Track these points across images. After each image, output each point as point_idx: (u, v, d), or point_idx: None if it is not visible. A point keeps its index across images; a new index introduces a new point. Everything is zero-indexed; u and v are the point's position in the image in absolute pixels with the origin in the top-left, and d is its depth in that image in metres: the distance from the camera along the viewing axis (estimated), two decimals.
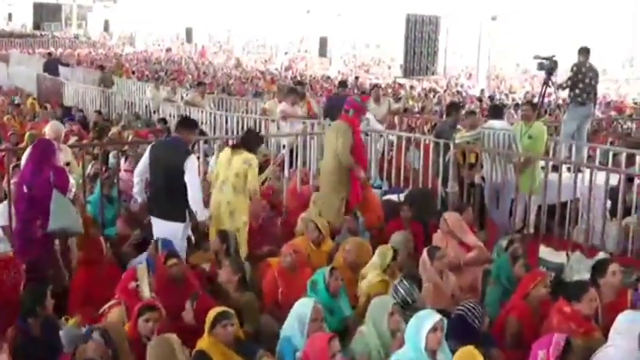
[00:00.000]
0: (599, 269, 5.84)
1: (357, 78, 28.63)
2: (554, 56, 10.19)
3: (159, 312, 4.92)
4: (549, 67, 10.08)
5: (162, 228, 6.60)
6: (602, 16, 32.80)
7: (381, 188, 9.43)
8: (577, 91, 9.80)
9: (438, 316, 4.59)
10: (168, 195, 6.58)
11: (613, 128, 15.14)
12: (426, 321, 4.56)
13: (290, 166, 9.73)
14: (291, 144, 9.66)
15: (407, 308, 5.37)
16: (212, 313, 4.83)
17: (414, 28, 25.62)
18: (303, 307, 4.97)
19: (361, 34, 42.83)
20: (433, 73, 26.80)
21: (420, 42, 25.89)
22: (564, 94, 11.16)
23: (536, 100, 11.78)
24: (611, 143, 13.27)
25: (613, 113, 19.23)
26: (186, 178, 6.45)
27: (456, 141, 8.75)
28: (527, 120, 9.13)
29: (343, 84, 13.00)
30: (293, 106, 11.56)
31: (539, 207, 8.60)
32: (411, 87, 26.53)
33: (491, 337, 5.33)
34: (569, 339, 4.46)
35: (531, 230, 8.77)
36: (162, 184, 6.63)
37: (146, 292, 5.37)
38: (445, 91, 26.44)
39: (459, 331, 4.93)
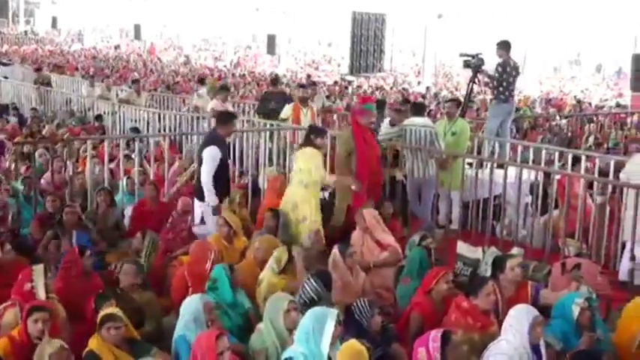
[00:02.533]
0: (498, 265, 5.92)
1: (309, 76, 28.69)
2: (480, 54, 10.23)
3: (49, 312, 4.83)
4: (476, 64, 10.12)
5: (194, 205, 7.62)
6: (551, 15, 33.18)
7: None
8: (501, 88, 9.88)
9: (335, 313, 4.61)
10: (197, 178, 7.50)
11: (549, 126, 15.35)
12: (326, 319, 4.56)
13: None
14: None
15: (313, 306, 5.39)
16: (100, 315, 4.78)
17: (360, 25, 25.68)
18: (193, 304, 4.94)
19: (312, 31, 42.83)
20: (380, 71, 26.89)
21: (367, 40, 25.96)
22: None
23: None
24: (546, 140, 13.50)
25: (552, 110, 19.48)
26: (202, 166, 7.31)
27: (379, 137, 8.78)
28: (451, 117, 9.21)
29: (275, 81, 12.96)
30: (224, 104, 11.52)
31: (465, 203, 8.70)
32: (359, 86, 26.58)
33: (391, 333, 5.36)
34: (448, 333, 4.50)
35: (456, 226, 8.86)
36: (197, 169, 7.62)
37: (41, 294, 5.28)
38: (392, 88, 26.58)
39: (347, 327, 5.00)
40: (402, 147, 8.72)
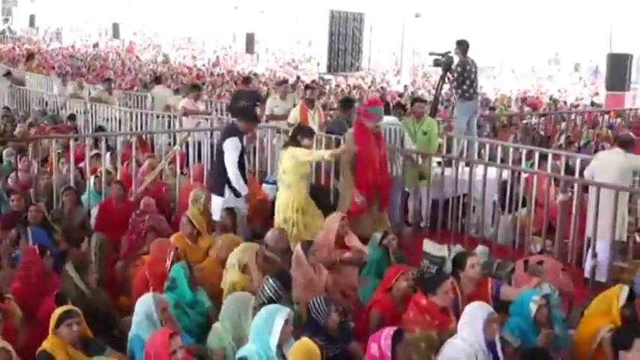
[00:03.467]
0: (458, 262, 5.93)
1: (297, 78, 28.71)
2: (449, 52, 10.27)
3: (2, 313, 4.79)
4: (445, 63, 10.16)
5: (212, 200, 7.61)
6: (529, 14, 33.37)
7: (275, 183, 9.37)
8: (464, 87, 9.93)
9: (286, 311, 4.61)
10: (213, 171, 7.69)
11: (523, 124, 15.43)
12: (277, 316, 4.56)
13: (193, 162, 9.71)
14: (183, 140, 9.53)
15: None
16: (56, 313, 4.74)
17: (338, 24, 25.64)
18: (146, 303, 4.92)
19: (292, 30, 42.79)
20: (358, 70, 26.88)
21: (345, 38, 25.92)
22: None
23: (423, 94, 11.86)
24: (520, 139, 13.56)
25: (527, 109, 19.60)
26: (224, 158, 7.32)
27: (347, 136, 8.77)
28: (419, 117, 9.17)
29: (247, 80, 12.93)
30: (195, 103, 11.49)
31: (434, 201, 8.72)
32: (337, 85, 26.61)
33: (349, 331, 5.36)
34: (401, 331, 4.51)
35: (426, 224, 8.89)
36: (213, 162, 7.86)
37: None
38: (369, 87, 26.62)
39: (305, 325, 5.05)
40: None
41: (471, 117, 9.97)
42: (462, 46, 10.00)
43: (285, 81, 13.44)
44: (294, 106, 11.20)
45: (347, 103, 9.96)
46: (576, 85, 34.71)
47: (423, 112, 9.24)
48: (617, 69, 20.11)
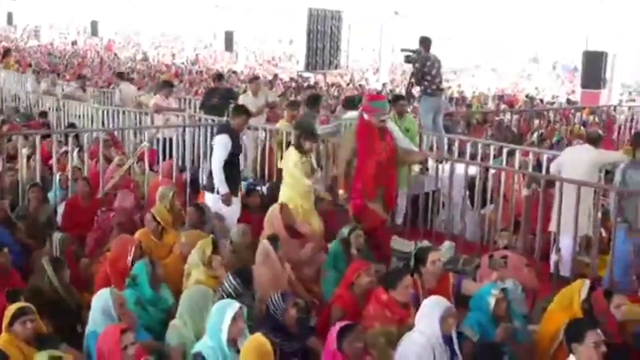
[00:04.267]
0: (420, 257, 5.94)
1: (275, 75, 28.66)
2: (420, 49, 10.27)
3: None
4: (416, 59, 10.16)
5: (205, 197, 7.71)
6: (508, 13, 33.45)
7: (246, 180, 9.36)
8: (425, 83, 9.93)
9: (237, 306, 4.58)
10: (208, 169, 7.64)
11: (497, 121, 15.51)
12: (226, 311, 4.54)
13: (164, 159, 9.73)
14: (151, 137, 9.49)
15: None
16: (10, 310, 4.70)
17: (317, 22, 25.59)
18: (102, 299, 4.89)
19: (273, 29, 42.67)
20: (336, 67, 26.84)
21: (323, 36, 25.86)
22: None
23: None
24: (492, 135, 13.62)
25: (503, 107, 19.68)
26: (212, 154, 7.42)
27: (319, 132, 8.77)
28: (402, 115, 9.10)
29: (219, 77, 12.89)
30: (167, 99, 11.44)
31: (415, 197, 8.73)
32: (316, 82, 26.58)
33: (308, 326, 5.35)
34: (349, 326, 4.52)
35: (400, 221, 8.89)
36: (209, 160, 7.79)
37: None
38: (348, 85, 26.62)
39: (264, 321, 5.05)
40: (336, 143, 8.69)
41: (435, 114, 9.94)
42: (425, 42, 10.02)
43: (257, 77, 13.35)
44: (267, 102, 11.21)
45: (314, 99, 9.94)
46: (555, 83, 34.90)
47: (404, 110, 9.22)
48: (592, 67, 20.28)
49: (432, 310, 4.84)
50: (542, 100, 21.67)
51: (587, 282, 5.52)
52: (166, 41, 43.61)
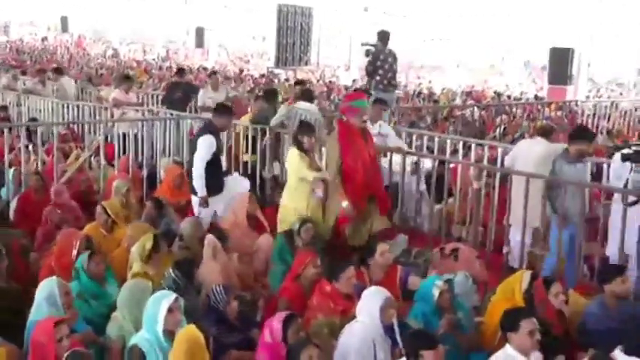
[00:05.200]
0: (369, 249, 5.94)
1: (241, 71, 28.63)
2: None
3: None
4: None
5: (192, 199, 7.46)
6: (479, 11, 33.67)
7: None
8: (377, 77, 9.93)
9: (173, 297, 4.56)
10: (190, 171, 7.34)
11: (462, 117, 15.58)
12: (162, 303, 4.51)
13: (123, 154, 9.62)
14: (107, 131, 9.42)
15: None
16: None
17: (287, 18, 25.57)
18: (47, 288, 4.86)
19: (246, 26, 42.55)
20: (307, 64, 26.83)
21: (293, 32, 25.86)
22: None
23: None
24: (455, 130, 13.69)
25: (470, 102, 19.80)
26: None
27: (272, 123, 8.77)
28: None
29: (181, 71, 12.84)
30: (127, 94, 11.36)
31: None
32: (286, 79, 26.58)
33: (251, 319, 5.32)
34: (293, 315, 4.51)
35: None
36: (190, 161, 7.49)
37: None
38: (318, 81, 26.62)
39: (207, 313, 5.01)
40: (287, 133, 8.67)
41: (389, 108, 9.93)
42: (383, 36, 10.01)
43: (215, 72, 13.33)
44: (227, 97, 11.17)
45: (271, 93, 9.91)
46: (526, 80, 35.18)
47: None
48: (559, 63, 20.45)
49: (372, 301, 4.84)
50: (509, 97, 21.78)
51: (528, 272, 5.55)
52: (138, 38, 43.29)
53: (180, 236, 6.73)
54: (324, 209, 6.99)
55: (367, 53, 10.33)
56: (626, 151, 6.48)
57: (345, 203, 6.82)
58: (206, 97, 10.79)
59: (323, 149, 7.79)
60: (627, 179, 6.40)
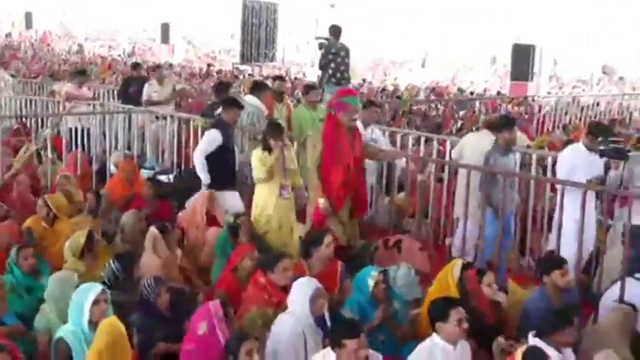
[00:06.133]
0: (313, 241, 5.91)
1: (208, 66, 28.44)
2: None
3: None
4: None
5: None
6: (447, 9, 33.82)
7: (154, 169, 9.26)
8: (330, 71, 9.93)
9: (99, 289, 4.52)
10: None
11: (422, 112, 15.66)
12: (87, 294, 4.47)
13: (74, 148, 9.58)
14: (54, 125, 9.32)
15: (114, 288, 5.34)
16: None
17: (252, 14, 25.44)
18: None
19: (214, 22, 42.34)
20: (272, 60, 26.73)
21: (258, 29, 25.73)
22: None
23: None
24: (414, 125, 13.73)
25: (433, 97, 19.91)
26: None
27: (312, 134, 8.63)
28: (314, 105, 9.03)
29: (136, 66, 12.75)
30: (80, 88, 11.25)
31: None
32: (250, 74, 26.47)
33: (183, 311, 5.27)
34: (224, 302, 4.49)
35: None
36: None
37: None
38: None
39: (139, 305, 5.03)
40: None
41: None
42: (334, 30, 10.01)
43: (159, 66, 13.22)
44: (174, 91, 11.12)
45: (222, 87, 9.86)
46: (493, 77, 35.29)
47: (317, 101, 9.13)
48: (521, 59, 20.67)
49: (302, 291, 4.83)
50: (472, 93, 21.91)
51: (459, 262, 5.58)
52: (104, 34, 42.89)
53: (122, 229, 6.71)
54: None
55: (320, 46, 10.32)
56: (603, 147, 6.50)
57: (322, 201, 6.52)
58: (151, 90, 10.72)
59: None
60: (609, 176, 6.44)
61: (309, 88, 9.54)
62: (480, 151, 7.30)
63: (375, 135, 8.03)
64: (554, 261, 5.68)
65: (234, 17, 28.20)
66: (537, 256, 7.15)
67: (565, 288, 5.44)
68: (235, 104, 7.66)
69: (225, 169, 7.41)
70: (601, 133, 6.77)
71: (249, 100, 8.59)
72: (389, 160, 8.16)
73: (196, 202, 7.24)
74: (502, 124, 7.03)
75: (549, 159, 7.84)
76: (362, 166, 6.92)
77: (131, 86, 11.63)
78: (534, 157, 7.95)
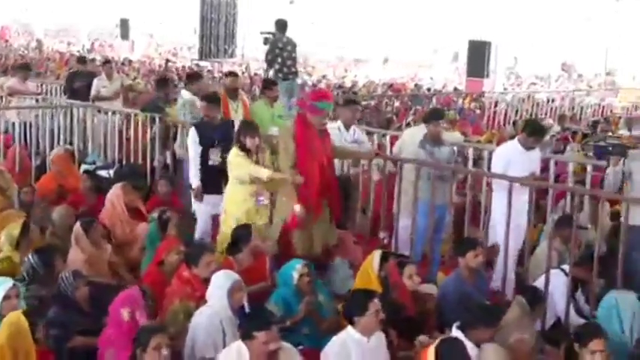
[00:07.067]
0: (241, 236, 5.90)
1: (167, 61, 28.28)
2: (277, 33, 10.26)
3: None
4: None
5: None
6: (409, 3, 33.97)
7: (95, 164, 9.17)
8: (277, 66, 9.91)
9: (10, 284, 4.47)
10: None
11: (374, 107, 15.71)
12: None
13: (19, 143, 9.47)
14: None
15: (32, 282, 5.34)
16: None
17: (210, 9, 25.26)
18: None
19: (176, 18, 42.06)
20: (232, 56, 26.58)
21: (217, 24, 25.56)
22: None
23: None
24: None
25: (390, 93, 19.98)
26: None
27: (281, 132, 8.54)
28: (273, 101, 8.92)
29: (82, 60, 12.62)
30: (24, 83, 11.11)
31: None
32: (209, 70, 26.34)
33: (103, 305, 5.22)
34: (144, 290, 4.54)
35: None
36: None
37: None
38: (243, 73, 26.42)
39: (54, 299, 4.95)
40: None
41: (290, 98, 9.90)
42: (279, 24, 9.98)
43: (108, 61, 13.08)
44: (122, 84, 11.02)
45: (161, 82, 9.80)
46: (454, 74, 35.51)
47: (277, 97, 9.03)
48: (477, 56, 20.80)
49: (220, 284, 4.84)
50: (429, 89, 22.03)
51: (378, 253, 5.61)
52: (63, 29, 42.42)
53: (52, 224, 6.65)
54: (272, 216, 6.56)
55: (265, 41, 10.29)
56: (602, 144, 6.53)
57: (297, 207, 6.13)
58: (100, 86, 10.61)
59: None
60: (607, 173, 6.45)
61: (269, 83, 9.31)
62: (414, 145, 7.34)
63: (357, 136, 7.60)
64: (469, 242, 5.84)
65: (195, 13, 28.05)
66: None
67: (477, 269, 5.60)
68: (212, 100, 7.24)
69: (204, 171, 6.95)
70: (535, 131, 6.84)
71: (183, 93, 8.53)
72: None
73: (111, 196, 7.17)
74: (429, 116, 7.08)
75: (485, 152, 7.89)
76: (333, 168, 6.70)
77: (76, 81, 11.49)
78: (470, 150, 8.00)
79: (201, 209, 6.97)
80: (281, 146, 6.38)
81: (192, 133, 6.98)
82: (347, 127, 7.41)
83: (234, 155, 6.33)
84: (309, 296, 5.32)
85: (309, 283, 5.37)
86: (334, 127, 7.23)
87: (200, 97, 7.69)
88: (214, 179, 6.84)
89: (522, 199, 6.24)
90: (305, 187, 6.17)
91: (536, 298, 5.39)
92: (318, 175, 6.25)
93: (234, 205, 6.43)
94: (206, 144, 6.90)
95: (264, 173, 6.18)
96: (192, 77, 9.08)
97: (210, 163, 6.83)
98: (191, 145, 6.97)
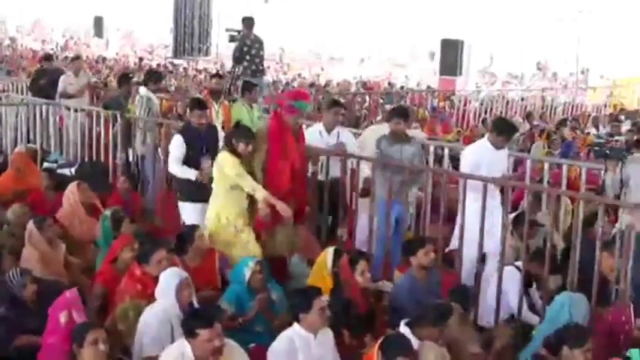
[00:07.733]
0: (186, 236, 5.87)
1: (140, 59, 28.15)
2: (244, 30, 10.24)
3: None
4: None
5: None
6: (387, 2, 34.03)
7: (57, 162, 9.09)
8: (245, 63, 9.88)
9: None
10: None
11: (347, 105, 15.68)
12: None
13: None
14: None
15: None
16: None
17: (184, 7, 25.15)
18: None
19: (152, 16, 41.85)
20: (206, 54, 26.47)
21: (191, 22, 25.45)
22: None
23: None
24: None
25: (362, 91, 20.03)
26: None
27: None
28: (253, 102, 8.82)
29: (48, 57, 12.50)
30: None
31: None
32: (184, 68, 26.28)
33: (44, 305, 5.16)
34: (80, 290, 4.45)
35: None
36: None
37: None
38: (218, 71, 26.34)
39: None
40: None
41: (260, 94, 9.85)
42: (247, 22, 9.96)
43: (78, 57, 12.94)
44: (89, 81, 10.94)
45: (123, 78, 9.73)
46: (429, 73, 35.61)
47: (256, 99, 8.96)
48: (450, 55, 20.83)
49: (168, 282, 4.82)
50: (402, 87, 22.08)
51: (331, 250, 5.61)
52: (37, 27, 42.07)
53: (7, 223, 6.59)
54: None
55: (231, 39, 10.27)
56: (598, 147, 6.52)
57: (262, 208, 5.97)
58: (67, 83, 10.50)
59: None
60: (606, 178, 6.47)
61: (250, 85, 9.08)
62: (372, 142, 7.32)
63: (342, 138, 7.26)
64: (418, 241, 5.88)
65: (170, 10, 27.92)
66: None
67: (429, 266, 5.60)
68: (198, 105, 6.92)
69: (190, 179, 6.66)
70: (504, 130, 6.81)
71: (141, 90, 8.48)
72: None
73: (67, 194, 7.11)
74: (391, 114, 7.07)
75: (446, 150, 7.91)
76: (306, 169, 6.60)
77: (42, 78, 11.38)
78: (431, 149, 8.02)
79: (191, 219, 6.54)
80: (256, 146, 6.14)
81: (178, 140, 6.65)
82: (328, 130, 7.20)
83: (228, 160, 5.98)
84: (261, 293, 5.31)
85: (261, 280, 5.35)
86: (315, 131, 7.17)
87: (188, 103, 7.40)
88: (203, 185, 6.50)
89: (496, 199, 6.29)
90: (274, 187, 6.04)
91: (466, 297, 5.46)
92: (289, 174, 6.16)
93: (224, 208, 6.13)
94: (195, 152, 6.64)
95: (261, 194, 5.89)
96: (152, 76, 8.98)
97: (205, 172, 6.48)
98: (173, 151, 6.65)
